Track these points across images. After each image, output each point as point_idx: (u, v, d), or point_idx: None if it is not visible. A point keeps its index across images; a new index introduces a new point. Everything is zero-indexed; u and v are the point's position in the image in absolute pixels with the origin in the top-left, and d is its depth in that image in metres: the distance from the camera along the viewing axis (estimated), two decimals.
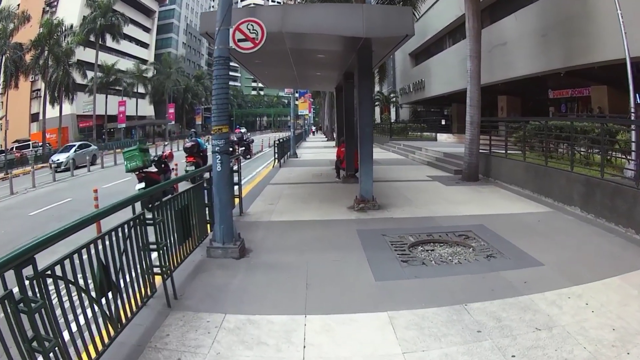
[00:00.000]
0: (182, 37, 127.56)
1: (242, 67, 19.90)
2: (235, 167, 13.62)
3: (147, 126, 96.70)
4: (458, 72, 36.99)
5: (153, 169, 17.70)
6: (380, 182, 18.53)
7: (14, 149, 56.70)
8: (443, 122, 50.11)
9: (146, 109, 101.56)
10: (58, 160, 38.66)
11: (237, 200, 13.46)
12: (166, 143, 30.32)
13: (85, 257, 5.01)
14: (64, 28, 62.36)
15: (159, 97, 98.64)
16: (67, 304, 4.58)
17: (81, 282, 4.87)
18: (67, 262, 4.63)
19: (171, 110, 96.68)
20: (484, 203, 14.88)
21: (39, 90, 67.14)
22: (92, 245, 5.19)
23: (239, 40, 9.67)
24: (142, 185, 16.09)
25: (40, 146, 59.33)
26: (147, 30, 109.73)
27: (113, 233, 5.73)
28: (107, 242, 5.60)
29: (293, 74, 22.19)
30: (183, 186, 10.37)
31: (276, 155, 29.35)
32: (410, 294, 7.35)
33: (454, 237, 10.59)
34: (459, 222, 12.19)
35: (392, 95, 66.63)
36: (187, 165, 22.87)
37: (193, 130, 26.11)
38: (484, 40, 22.71)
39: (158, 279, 6.95)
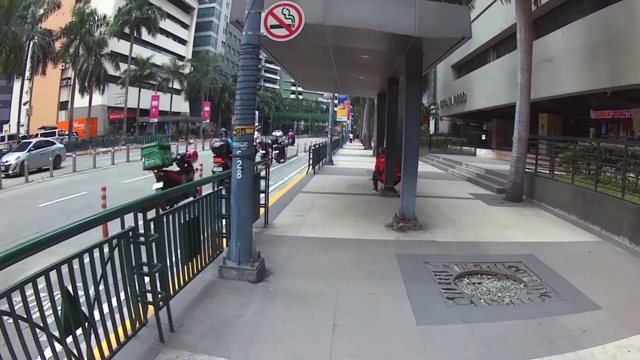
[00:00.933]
0: (222, 35, 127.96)
1: (279, 64, 18.58)
2: (263, 173, 12.56)
3: (180, 122, 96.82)
4: (501, 87, 36.67)
5: (175, 167, 16.86)
6: (420, 198, 16.52)
7: (38, 136, 54.40)
8: (483, 137, 49.36)
9: (181, 105, 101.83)
10: (7, 162, 29.97)
11: (262, 210, 12.40)
12: (191, 141, 28.49)
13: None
14: (96, 18, 62.12)
15: (194, 94, 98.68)
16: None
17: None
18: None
19: (207, 109, 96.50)
20: (531, 228, 13.74)
21: (69, 78, 66.74)
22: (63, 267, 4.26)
23: (272, 27, 8.24)
24: (160, 185, 15.10)
25: (67, 135, 59.00)
26: (185, 26, 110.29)
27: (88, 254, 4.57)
28: (79, 266, 4.45)
29: (333, 75, 20.84)
30: (208, 188, 9.68)
31: (311, 162, 27.93)
32: (459, 346, 6.09)
33: (503, 269, 9.47)
34: (507, 249, 11.12)
35: (432, 107, 65.20)
36: (214, 166, 21.66)
37: (224, 129, 24.74)
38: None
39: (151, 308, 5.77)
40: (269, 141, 37.79)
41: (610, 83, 23.93)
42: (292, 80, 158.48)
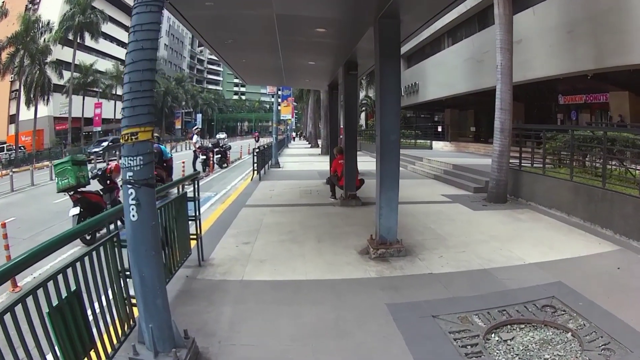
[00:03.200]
0: (165, 38, 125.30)
1: (213, 51, 14.70)
2: (192, 191, 8.99)
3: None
4: (459, 74, 34.55)
5: (97, 186, 13.89)
6: None
7: None
8: (439, 129, 46.79)
9: None
10: None
11: (194, 243, 8.82)
12: (115, 151, 24.36)
13: None
14: (40, 25, 58.94)
15: None
16: None
17: None
18: None
19: None
20: (537, 240, 10.72)
21: (17, 90, 62.58)
22: None
23: None
24: (77, 211, 12.32)
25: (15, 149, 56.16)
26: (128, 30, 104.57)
27: None
28: None
29: (278, 63, 16.91)
30: None
31: (255, 166, 23.73)
32: None
33: (537, 312, 6.68)
34: (528, 277, 8.09)
35: None
36: None
37: (155, 134, 20.84)
38: (490, 39, 21.03)
39: None
40: (210, 145, 33.91)
41: (594, 65, 21.67)
42: (235, 81, 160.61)
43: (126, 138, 4.73)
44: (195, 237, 8.74)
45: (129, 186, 4.68)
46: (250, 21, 11.20)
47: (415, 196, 17.03)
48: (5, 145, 57.90)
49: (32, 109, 61.32)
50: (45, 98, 62.92)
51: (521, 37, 26.01)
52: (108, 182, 13.89)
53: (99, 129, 74.86)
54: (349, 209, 14.68)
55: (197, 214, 8.76)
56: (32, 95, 60.50)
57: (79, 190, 12.59)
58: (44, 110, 67.74)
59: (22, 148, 58.71)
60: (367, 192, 15.82)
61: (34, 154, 52.41)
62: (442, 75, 39.62)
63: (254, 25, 11.60)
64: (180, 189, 8.48)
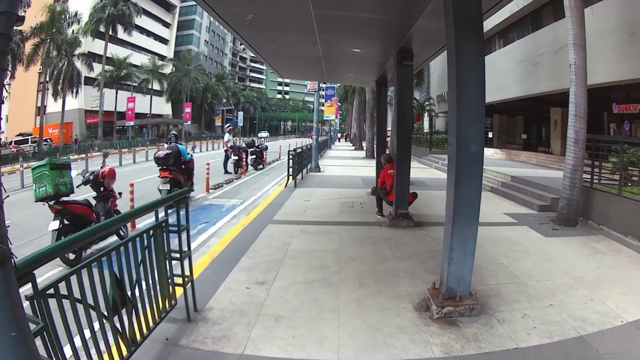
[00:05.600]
0: (205, 34, 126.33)
1: (230, 29, 12.08)
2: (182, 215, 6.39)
3: (161, 125, 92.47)
4: (512, 78, 32.86)
5: (86, 195, 11.83)
6: (443, 226, 11.61)
7: (12, 144, 55.24)
8: (490, 135, 44.61)
9: (163, 107, 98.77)
10: None
11: (180, 291, 6.38)
12: (106, 150, 22.38)
13: None
14: (68, 16, 57.82)
15: (176, 95, 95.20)
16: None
17: None
18: None
19: (187, 110, 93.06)
20: (624, 281, 8.70)
21: (48, 82, 61.88)
22: None
23: None
24: (56, 225, 10.22)
25: (43, 141, 55.70)
26: (167, 25, 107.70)
27: None
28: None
29: (316, 50, 14.09)
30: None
31: (290, 171, 21.34)
32: None
33: None
34: (630, 347, 6.11)
35: (426, 102, 61.20)
36: (160, 184, 16.20)
37: (174, 132, 18.65)
38: (548, 40, 22.55)
39: None
40: (244, 144, 31.57)
41: None
42: (279, 80, 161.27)
43: None
44: (181, 283, 6.24)
45: None
46: (287, 16, 10.07)
47: None
48: (30, 137, 58.18)
49: (60, 101, 60.83)
50: (74, 90, 62.09)
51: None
52: (102, 188, 11.62)
53: (132, 123, 74.80)
54: (399, 231, 12.06)
55: (187, 249, 6.34)
56: (59, 88, 59.80)
57: (60, 200, 10.29)
58: (74, 102, 67.69)
59: (48, 141, 58.24)
60: (419, 206, 13.61)
61: (60, 147, 51.97)
62: (493, 79, 36.90)
63: (292, 20, 10.46)
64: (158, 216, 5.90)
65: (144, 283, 5.24)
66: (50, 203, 10.12)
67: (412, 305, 7.11)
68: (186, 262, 6.34)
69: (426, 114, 61.55)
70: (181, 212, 6.15)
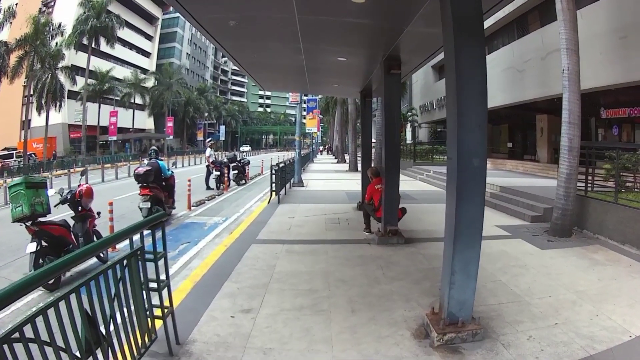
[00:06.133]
0: (187, 47, 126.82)
1: (208, 36, 11.48)
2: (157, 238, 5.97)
3: (143, 140, 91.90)
4: (497, 86, 32.22)
5: (64, 215, 11.60)
6: (431, 243, 12.18)
7: None
8: None
9: (146, 121, 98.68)
10: None
11: (158, 324, 5.76)
12: (84, 167, 21.25)
13: None
14: (52, 28, 57.90)
15: (158, 109, 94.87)
16: None
17: None
18: None
19: (170, 124, 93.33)
20: (627, 292, 8.50)
21: (32, 95, 61.74)
22: None
23: None
24: (34, 247, 9.65)
25: (28, 156, 55.76)
26: (149, 38, 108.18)
27: None
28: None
29: (299, 59, 13.60)
30: None
31: (273, 186, 20.59)
32: None
33: None
34: None
35: (409, 113, 61.01)
36: (140, 202, 15.64)
37: (154, 147, 18.13)
38: (534, 46, 22.95)
39: None
40: (226, 159, 31.09)
41: None
42: (260, 93, 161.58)
43: None
44: (160, 315, 5.70)
45: None
46: (268, 21, 9.52)
47: None
48: (14, 152, 57.94)
49: (44, 115, 60.44)
50: (58, 104, 61.60)
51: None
52: (80, 208, 11.06)
53: (115, 138, 74.45)
54: (389, 249, 11.55)
55: (165, 277, 5.88)
56: (43, 102, 59.35)
57: (37, 220, 9.77)
58: (57, 117, 67.80)
59: (33, 155, 58.07)
60: (407, 221, 13.24)
61: (44, 162, 51.76)
62: None
63: (274, 25, 9.94)
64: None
65: (119, 317, 4.72)
66: (28, 224, 9.62)
67: (410, 332, 6.63)
68: (165, 292, 5.85)
69: (409, 124, 61.47)
70: (159, 235, 5.70)
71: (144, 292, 5.35)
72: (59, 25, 58.53)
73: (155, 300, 5.65)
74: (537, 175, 26.37)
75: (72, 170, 39.84)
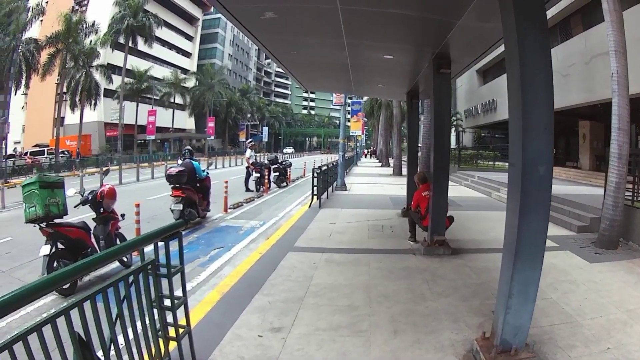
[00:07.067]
0: (229, 48, 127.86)
1: (244, 30, 10.93)
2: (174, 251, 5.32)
3: (184, 140, 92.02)
4: None
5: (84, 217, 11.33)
6: (478, 254, 11.44)
7: (27, 154, 55.08)
8: None
9: (186, 121, 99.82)
10: None
11: (172, 345, 5.13)
12: (105, 167, 21.03)
13: None
14: (85, 26, 58.06)
15: (199, 109, 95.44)
16: None
17: None
18: None
19: (211, 124, 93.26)
20: None
21: (65, 93, 62.24)
22: None
23: None
24: (47, 250, 9.27)
25: (60, 153, 55.63)
26: (189, 38, 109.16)
27: None
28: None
29: (343, 56, 12.81)
30: None
31: (315, 190, 19.90)
32: None
33: None
34: None
35: (453, 118, 58.54)
36: (172, 204, 15.25)
37: (188, 147, 17.64)
38: (578, 50, 22.68)
39: None
40: (266, 161, 30.96)
41: None
42: (304, 95, 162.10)
43: None
44: (175, 335, 5.04)
45: None
46: (309, 14, 8.97)
47: None
48: (46, 149, 58.26)
49: (79, 113, 61.39)
50: (93, 102, 62.60)
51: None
52: (101, 210, 10.58)
53: (153, 137, 74.90)
54: (435, 260, 10.85)
55: (182, 294, 5.20)
56: (77, 99, 60.26)
57: (52, 222, 9.37)
58: (93, 115, 68.84)
59: (65, 153, 58.22)
60: (454, 230, 12.61)
61: (75, 160, 52.20)
62: None
63: (316, 19, 9.42)
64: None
65: (122, 338, 4.12)
66: (42, 225, 9.19)
67: (459, 358, 5.96)
68: (182, 310, 5.17)
69: (453, 129, 60.61)
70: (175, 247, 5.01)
71: (156, 310, 4.71)
72: (93, 24, 58.85)
73: (170, 319, 5.01)
74: (580, 183, 25.69)
75: (104, 168, 39.97)
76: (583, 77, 26.21)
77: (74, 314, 3.44)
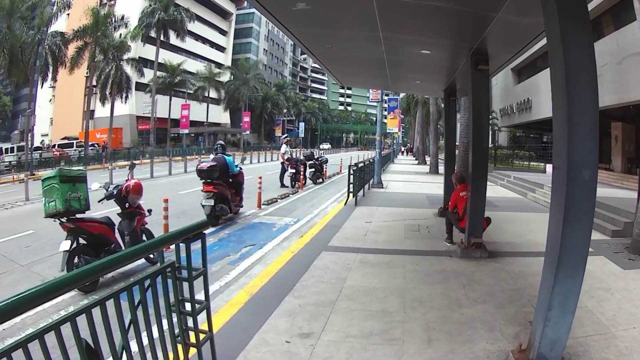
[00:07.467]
0: (263, 43, 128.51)
1: (277, 23, 10.68)
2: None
3: (218, 134, 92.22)
4: None
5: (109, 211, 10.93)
6: (513, 257, 11.20)
7: (55, 147, 55.73)
8: None
9: (221, 116, 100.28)
10: None
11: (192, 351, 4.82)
12: (136, 162, 20.66)
13: None
14: (114, 19, 59.23)
15: (234, 104, 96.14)
16: None
17: None
18: None
19: (246, 119, 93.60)
20: None
21: (95, 86, 62.75)
22: None
23: None
24: (68, 245, 9.08)
25: (90, 146, 57.19)
26: (223, 32, 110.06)
27: None
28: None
29: (379, 51, 12.47)
30: None
31: (351, 187, 19.40)
32: None
33: None
34: None
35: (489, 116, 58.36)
36: (203, 199, 15.05)
37: (220, 142, 17.38)
38: (609, 50, 22.39)
39: None
40: (302, 157, 30.83)
41: None
42: (341, 91, 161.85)
43: None
44: (196, 340, 4.74)
45: None
46: (344, 8, 8.85)
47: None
48: (75, 142, 59.03)
49: (109, 106, 62.12)
50: (124, 96, 62.97)
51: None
52: (127, 205, 10.42)
53: (186, 131, 75.28)
54: (472, 264, 10.61)
55: (205, 299, 4.93)
56: (107, 93, 60.91)
57: (73, 217, 9.29)
58: (124, 108, 69.88)
59: (95, 146, 59.28)
60: (490, 231, 12.16)
61: (108, 153, 53.20)
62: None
63: (349, 13, 9.20)
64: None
65: (135, 345, 3.88)
66: (62, 220, 9.09)
67: None
68: (204, 314, 4.93)
69: (489, 127, 59.48)
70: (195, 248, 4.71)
71: (176, 315, 4.47)
72: (122, 17, 59.42)
73: (190, 323, 4.74)
74: (612, 185, 25.20)
75: (137, 162, 39.96)
76: (615, 77, 25.76)
77: (81, 320, 3.26)
